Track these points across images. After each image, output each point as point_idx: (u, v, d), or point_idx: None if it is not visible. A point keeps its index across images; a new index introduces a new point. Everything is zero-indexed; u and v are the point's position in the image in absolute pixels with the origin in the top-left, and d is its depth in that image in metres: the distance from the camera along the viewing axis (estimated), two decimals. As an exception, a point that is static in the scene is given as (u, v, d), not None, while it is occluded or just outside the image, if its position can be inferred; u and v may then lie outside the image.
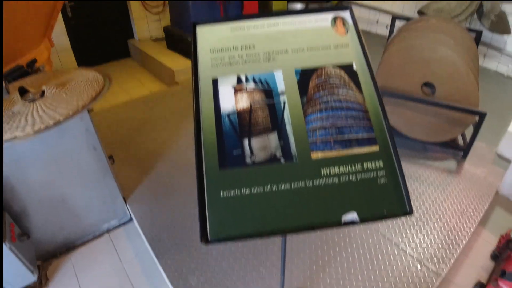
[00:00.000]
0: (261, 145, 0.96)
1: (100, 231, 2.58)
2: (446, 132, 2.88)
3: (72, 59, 4.98)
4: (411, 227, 2.39)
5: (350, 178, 0.96)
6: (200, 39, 1.06)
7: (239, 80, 1.03)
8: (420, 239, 2.31)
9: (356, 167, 0.98)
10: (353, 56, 1.10)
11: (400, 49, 2.81)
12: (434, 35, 2.88)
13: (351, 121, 1.00)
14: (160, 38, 5.72)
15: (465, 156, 2.96)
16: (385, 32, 5.71)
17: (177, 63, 4.76)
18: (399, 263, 2.16)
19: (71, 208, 2.34)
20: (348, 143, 1.00)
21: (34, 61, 2.69)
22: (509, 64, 4.67)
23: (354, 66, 1.09)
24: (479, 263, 2.41)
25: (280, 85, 1.05)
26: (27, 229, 2.22)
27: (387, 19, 5.44)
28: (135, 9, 5.39)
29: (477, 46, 3.35)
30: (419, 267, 2.14)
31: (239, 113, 1.01)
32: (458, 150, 3.01)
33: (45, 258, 2.41)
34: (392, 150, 0.99)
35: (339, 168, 0.97)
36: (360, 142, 1.00)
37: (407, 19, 3.30)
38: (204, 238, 0.85)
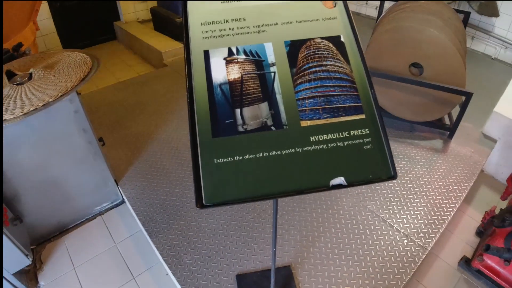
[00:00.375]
0: (253, 114, 1.01)
1: (92, 213, 2.61)
2: (433, 112, 2.95)
3: (57, 42, 4.90)
4: (398, 203, 2.48)
5: (338, 144, 1.02)
6: (191, 13, 1.09)
7: (230, 52, 1.08)
8: (406, 215, 2.40)
9: (344, 134, 1.04)
10: (340, 28, 1.15)
11: (389, 30, 2.85)
12: (423, 16, 2.92)
13: (339, 91, 1.06)
14: (146, 20, 5.64)
15: (451, 135, 3.04)
16: (374, 13, 5.71)
17: (165, 45, 4.72)
18: (386, 238, 2.25)
19: (63, 191, 2.36)
20: (336, 112, 1.05)
21: (20, 44, 2.65)
22: (496, 46, 4.75)
23: (342, 38, 1.14)
24: (465, 239, 2.52)
25: (270, 57, 1.10)
26: (20, 213, 2.24)
27: (377, 1, 5.44)
28: (121, -9, 5.30)
29: (465, 28, 3.41)
30: (406, 242, 2.23)
31: (231, 84, 1.05)
32: (445, 129, 3.10)
33: (39, 242, 2.43)
34: (377, 118, 1.06)
35: (327, 135, 1.03)
36: (347, 111, 1.06)
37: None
38: (199, 203, 0.90)
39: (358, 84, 1.08)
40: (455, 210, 2.46)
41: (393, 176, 1.03)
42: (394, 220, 2.37)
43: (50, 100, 1.88)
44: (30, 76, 2.10)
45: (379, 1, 4.43)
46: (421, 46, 2.75)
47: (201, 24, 1.10)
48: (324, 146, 1.01)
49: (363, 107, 1.07)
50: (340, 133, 1.03)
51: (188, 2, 1.08)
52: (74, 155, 2.29)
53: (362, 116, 1.06)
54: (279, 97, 1.05)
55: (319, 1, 1.15)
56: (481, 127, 3.16)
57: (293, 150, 1.00)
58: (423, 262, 2.29)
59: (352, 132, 1.04)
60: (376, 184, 2.63)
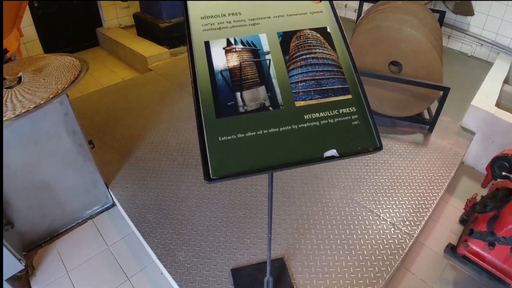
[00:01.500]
0: (252, 97, 1.15)
1: (83, 217, 2.64)
2: (413, 107, 3.12)
3: (40, 50, 4.90)
4: (384, 194, 2.61)
5: (329, 121, 1.19)
6: (191, 8, 1.22)
7: (228, 43, 1.21)
8: (392, 205, 2.53)
9: (333, 112, 1.21)
10: (327, 20, 1.32)
11: (368, 30, 3.01)
12: (400, 16, 3.10)
13: (328, 75, 1.23)
14: (129, 25, 5.70)
15: (431, 129, 3.22)
16: (353, 16, 5.94)
17: (149, 50, 4.79)
18: (374, 227, 2.37)
19: (53, 194, 2.39)
20: (325, 93, 1.22)
21: (5, 51, 2.69)
22: (472, 44, 5.01)
23: (328, 29, 1.31)
24: (449, 227, 2.67)
25: (265, 46, 1.25)
26: (10, 218, 2.26)
27: (355, 4, 5.67)
28: (103, -3, 5.36)
29: (441, 26, 3.62)
30: (392, 230, 2.36)
31: (231, 70, 1.19)
32: (425, 123, 3.28)
33: (30, 248, 2.45)
34: (362, 98, 1.23)
35: (319, 114, 1.19)
36: (336, 92, 1.23)
37: (374, 1, 3.52)
38: (207, 176, 1.00)
39: (344, 69, 1.25)
40: (438, 199, 2.61)
41: (379, 147, 1.18)
42: (380, 210, 2.50)
43: (41, 102, 1.93)
44: (19, 80, 2.15)
45: (358, 3, 4.63)
46: (399, 45, 2.92)
47: (201, 18, 1.23)
48: (317, 123, 1.17)
49: (350, 88, 1.23)
50: (331, 112, 1.19)
51: (188, 2, 1.21)
52: (64, 157, 2.33)
53: (349, 96, 1.23)
54: (274, 81, 1.21)
55: None
56: (460, 121, 3.36)
57: (289, 127, 1.15)
58: (411, 251, 2.43)
59: (341, 110, 1.20)
60: (362, 176, 2.77)
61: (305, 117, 1.17)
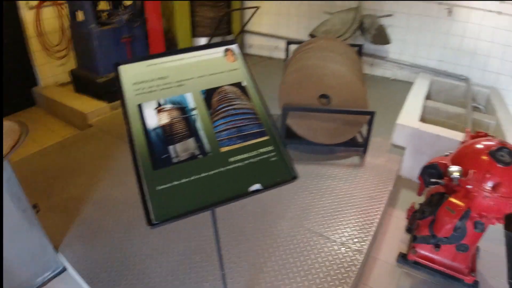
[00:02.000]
0: (183, 148, 1.37)
1: (35, 285, 2.54)
2: (345, 133, 3.46)
3: (-32, 116, 4.72)
4: (331, 218, 2.83)
5: (251, 160, 1.44)
6: (123, 75, 1.40)
7: (159, 104, 1.39)
8: (340, 226, 2.75)
9: (254, 152, 1.45)
10: (242, 76, 1.60)
11: (296, 70, 3.35)
12: (323, 54, 3.49)
13: (246, 122, 1.50)
14: (66, 82, 5.70)
15: (365, 150, 3.57)
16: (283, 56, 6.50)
17: (88, 105, 4.82)
18: (326, 250, 2.55)
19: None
20: (246, 138, 1.47)
21: None
22: (393, 69, 5.63)
23: (243, 83, 1.60)
24: (397, 238, 2.93)
25: (191, 103, 1.50)
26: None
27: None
28: (38, 56, 5.34)
29: (362, 56, 4.08)
30: (343, 249, 2.55)
31: (163, 127, 1.42)
32: (359, 146, 3.62)
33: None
34: (277, 138, 1.50)
35: (242, 155, 1.44)
36: (255, 135, 1.48)
37: (299, 42, 3.91)
38: (148, 222, 1.12)
39: (260, 115, 1.53)
40: (380, 213, 2.87)
41: (295, 177, 1.43)
42: (329, 232, 2.69)
43: (-19, 173, 1.94)
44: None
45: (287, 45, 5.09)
46: (325, 79, 3.27)
47: (133, 84, 1.45)
48: (241, 164, 1.42)
49: (266, 131, 1.51)
50: (251, 152, 1.44)
51: (120, 67, 1.39)
52: (8, 225, 2.28)
53: (267, 138, 1.50)
54: (202, 133, 1.45)
55: (224, 57, 1.56)
56: (389, 139, 3.74)
57: (218, 170, 1.38)
58: (366, 266, 2.62)
59: (260, 150, 1.46)
60: (309, 204, 2.97)
61: (230, 160, 1.41)
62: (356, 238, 2.65)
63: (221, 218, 2.75)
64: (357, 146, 3.63)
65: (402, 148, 3.62)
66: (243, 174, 1.38)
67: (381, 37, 5.52)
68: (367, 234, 2.68)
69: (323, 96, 3.37)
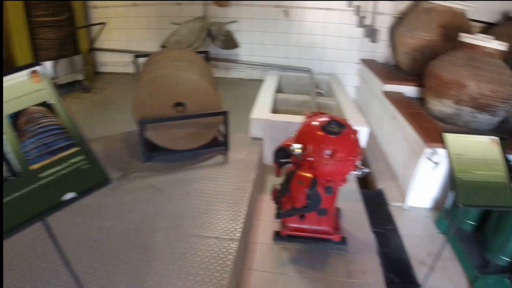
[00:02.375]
0: None
1: None
2: (205, 136, 3.69)
3: None
4: (202, 217, 2.98)
5: (63, 172, 1.58)
6: None
7: None
8: (212, 223, 2.92)
9: (65, 164, 1.60)
10: (48, 95, 1.70)
11: (147, 82, 3.43)
12: (171, 63, 3.65)
13: (54, 137, 1.62)
14: None
15: (227, 148, 3.85)
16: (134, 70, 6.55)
17: None
18: (202, 247, 2.69)
19: None
20: (55, 152, 1.61)
21: None
22: (246, 70, 6.14)
23: (49, 101, 1.71)
24: (270, 220, 3.26)
25: None
26: None
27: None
28: None
29: (209, 62, 4.35)
30: (217, 242, 2.73)
31: None
32: (220, 145, 3.90)
33: None
34: (87, 147, 1.66)
35: (53, 169, 1.57)
36: (64, 148, 1.63)
37: (147, 55, 4.01)
38: None
39: (70, 129, 1.67)
40: (247, 201, 3.14)
41: (108, 180, 1.64)
42: (203, 231, 2.84)
43: None
44: None
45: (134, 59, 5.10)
46: (177, 88, 3.43)
47: None
48: (54, 176, 1.55)
49: (76, 143, 1.66)
50: (63, 164, 1.58)
51: None
52: None
53: (77, 149, 1.65)
54: (10, 155, 1.53)
55: (29, 80, 1.65)
56: (248, 133, 4.11)
57: (32, 187, 1.49)
58: (249, 252, 2.84)
59: (70, 161, 1.60)
60: (182, 210, 3.07)
61: (42, 175, 1.53)
62: (228, 229, 2.86)
63: (88, 247, 2.67)
64: (219, 146, 3.88)
65: (260, 139, 4.02)
66: (56, 186, 1.51)
67: (230, 42, 5.97)
68: (238, 222, 2.92)
69: (179, 104, 3.52)
